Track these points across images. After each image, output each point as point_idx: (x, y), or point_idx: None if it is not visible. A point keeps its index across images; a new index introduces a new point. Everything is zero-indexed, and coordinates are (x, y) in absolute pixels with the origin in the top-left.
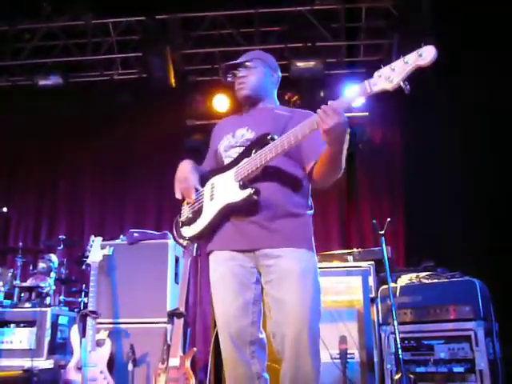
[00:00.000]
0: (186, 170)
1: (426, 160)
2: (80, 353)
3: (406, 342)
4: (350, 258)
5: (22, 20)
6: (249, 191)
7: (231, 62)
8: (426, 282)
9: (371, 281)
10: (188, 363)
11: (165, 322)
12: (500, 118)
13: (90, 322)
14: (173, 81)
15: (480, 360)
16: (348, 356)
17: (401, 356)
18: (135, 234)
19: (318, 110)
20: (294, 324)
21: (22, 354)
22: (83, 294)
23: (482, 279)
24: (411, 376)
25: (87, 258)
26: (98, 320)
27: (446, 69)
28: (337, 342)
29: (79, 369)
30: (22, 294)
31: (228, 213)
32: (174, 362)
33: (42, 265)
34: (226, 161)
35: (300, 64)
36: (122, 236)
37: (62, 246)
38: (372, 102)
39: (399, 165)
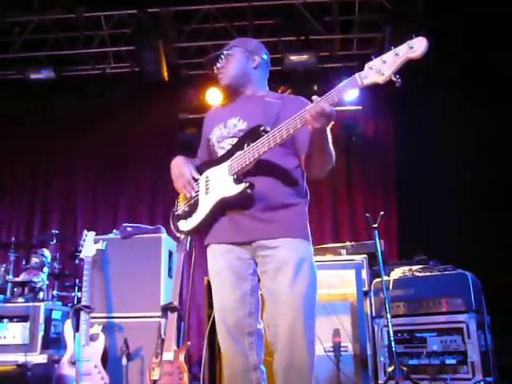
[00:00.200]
0: (180, 166)
1: (420, 153)
2: (74, 347)
3: (399, 334)
4: (344, 251)
5: (12, 13)
6: (243, 185)
7: (211, 55)
8: (419, 275)
9: (364, 274)
10: (182, 357)
11: (158, 316)
12: (495, 112)
13: (83, 316)
14: (165, 74)
15: (472, 352)
16: (341, 349)
17: (394, 349)
18: (128, 229)
19: (308, 109)
20: (288, 314)
21: (16, 349)
22: (76, 288)
23: (474, 272)
24: (404, 368)
25: (80, 252)
26: (92, 314)
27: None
28: (330, 335)
29: (73, 363)
30: (15, 289)
31: (223, 207)
32: (168, 356)
33: (34, 260)
34: (220, 152)
35: (293, 57)
36: (115, 230)
37: (54, 241)
38: (365, 96)
39: (392, 158)
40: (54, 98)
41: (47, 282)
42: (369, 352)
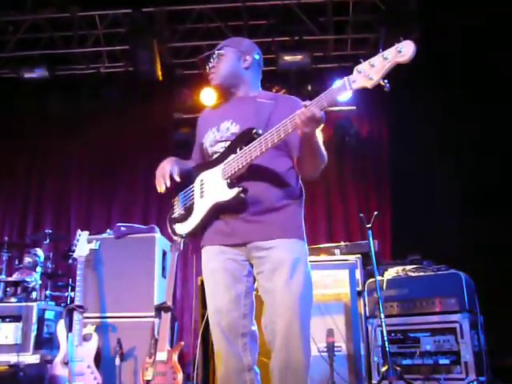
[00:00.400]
0: (165, 163)
1: (413, 153)
2: (67, 347)
3: (393, 334)
4: (337, 251)
5: (6, 12)
6: (236, 190)
7: (204, 55)
8: (413, 275)
9: (358, 274)
10: (175, 357)
11: (152, 316)
12: (491, 112)
13: (76, 316)
14: (160, 74)
15: (465, 352)
16: (335, 349)
17: (387, 349)
18: (122, 228)
19: (298, 113)
20: (284, 314)
21: (8, 349)
22: (70, 288)
23: (467, 272)
24: (398, 368)
25: (74, 252)
26: (85, 314)
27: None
28: (324, 335)
29: (66, 364)
30: (8, 289)
31: (218, 210)
32: (162, 356)
33: (27, 259)
34: (213, 155)
35: (287, 58)
36: (108, 230)
37: (48, 241)
38: (359, 96)
39: (386, 158)
40: (48, 97)
41: (40, 282)
42: (362, 352)
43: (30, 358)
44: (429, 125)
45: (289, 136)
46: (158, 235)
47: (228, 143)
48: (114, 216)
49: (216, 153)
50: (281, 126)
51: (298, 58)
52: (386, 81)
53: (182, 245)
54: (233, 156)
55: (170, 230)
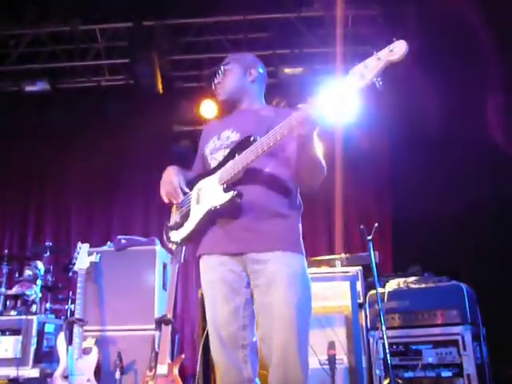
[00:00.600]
0: (170, 174)
1: (414, 164)
2: (66, 361)
3: (395, 347)
4: (338, 263)
5: (7, 26)
6: (231, 194)
7: (209, 71)
8: (414, 286)
9: (359, 286)
10: (176, 370)
11: (152, 329)
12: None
13: (76, 329)
14: (160, 87)
15: (468, 364)
16: (336, 361)
17: (389, 361)
18: (122, 241)
19: (294, 115)
20: (281, 329)
21: (8, 362)
22: (70, 301)
23: (468, 284)
24: (400, 381)
25: (74, 264)
26: (85, 327)
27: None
28: (325, 347)
29: (66, 377)
30: (8, 302)
31: (214, 216)
32: (162, 369)
33: (28, 272)
34: (213, 163)
35: (287, 70)
36: (109, 242)
37: (48, 253)
38: (360, 107)
39: (387, 169)
40: (49, 110)
41: (40, 295)
42: (364, 364)
43: (30, 371)
44: (430, 135)
45: (287, 143)
46: (158, 247)
47: (227, 151)
48: (114, 228)
49: (216, 160)
50: (277, 128)
51: (298, 70)
52: (379, 79)
53: (182, 257)
54: (231, 162)
55: (165, 238)
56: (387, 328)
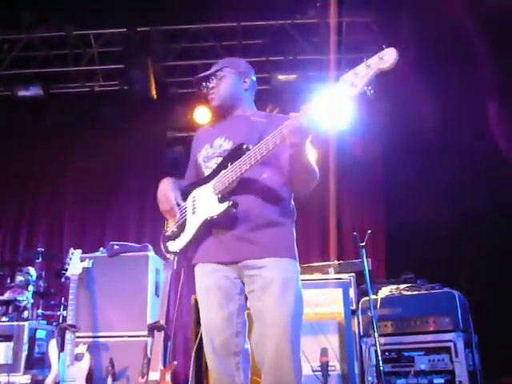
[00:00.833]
0: (166, 190)
1: (407, 171)
2: (58, 367)
3: (387, 353)
4: (331, 270)
5: (1, 30)
6: (227, 204)
7: (202, 74)
8: (406, 293)
9: (352, 293)
10: (168, 377)
11: (145, 336)
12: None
13: (68, 335)
14: (154, 93)
15: (460, 371)
16: (329, 368)
17: (382, 368)
18: (115, 247)
19: (286, 124)
20: (274, 335)
21: None
22: (62, 307)
23: (461, 291)
24: None
25: (66, 270)
26: (77, 334)
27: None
28: (318, 354)
29: None
30: None
31: (209, 226)
32: (155, 375)
33: (19, 278)
34: (206, 172)
35: (281, 77)
36: (101, 248)
37: (40, 259)
38: (353, 114)
39: (380, 176)
40: (42, 116)
41: (32, 301)
42: (356, 371)
43: (21, 378)
44: (424, 142)
45: (281, 151)
46: (151, 253)
47: (220, 159)
48: (107, 234)
49: (209, 168)
50: (269, 138)
51: (292, 77)
52: (369, 87)
53: (175, 263)
54: (223, 171)
55: (162, 248)
56: (380, 335)
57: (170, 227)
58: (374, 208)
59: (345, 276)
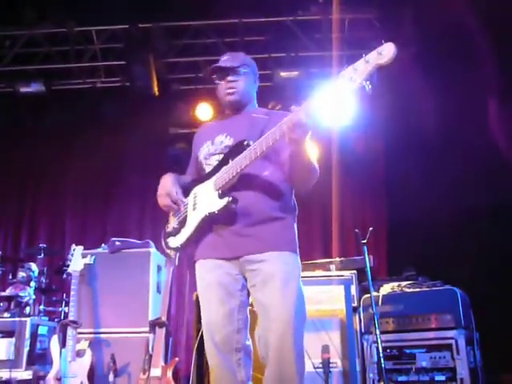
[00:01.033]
0: (167, 185)
1: (409, 167)
2: (60, 363)
3: (388, 350)
4: (332, 267)
5: (3, 27)
6: (226, 200)
7: (225, 65)
8: (408, 290)
9: (353, 290)
10: (170, 373)
11: (146, 332)
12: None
13: (70, 331)
14: (156, 89)
15: (461, 368)
16: (330, 365)
17: (383, 365)
18: (117, 243)
19: (285, 120)
20: (278, 329)
21: (1, 364)
22: (64, 303)
23: (463, 288)
24: None
25: (68, 266)
26: (79, 330)
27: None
28: (319, 351)
29: (59, 380)
30: (1, 304)
31: (210, 222)
32: (156, 372)
33: (21, 274)
34: (207, 169)
35: (283, 74)
36: (103, 245)
37: (42, 255)
38: (355, 110)
39: (382, 173)
40: (44, 112)
41: (34, 297)
42: (358, 368)
43: (23, 374)
44: (426, 138)
45: (281, 147)
46: (152, 250)
47: (221, 156)
48: (108, 231)
49: (210, 165)
50: (269, 133)
51: (294, 73)
52: (368, 82)
53: (176, 260)
54: (225, 167)
55: (163, 244)
56: (381, 332)
57: (171, 224)
58: (375, 204)
59: (346, 273)
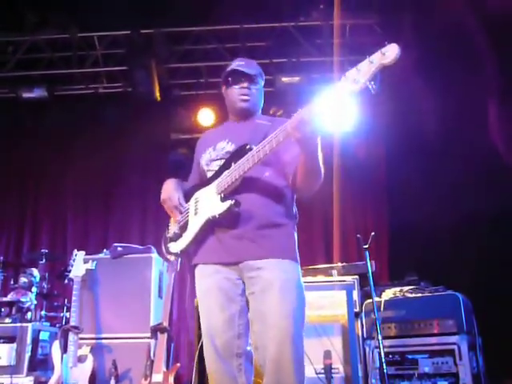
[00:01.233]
0: (169, 190)
1: (410, 173)
2: (61, 369)
3: (391, 356)
4: (334, 272)
5: (6, 33)
6: (229, 203)
7: (241, 69)
8: (410, 296)
9: (355, 295)
10: (171, 379)
11: (148, 337)
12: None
13: (71, 337)
14: (158, 94)
15: (464, 374)
16: (332, 371)
17: (385, 370)
18: (119, 248)
19: (288, 121)
20: (276, 337)
21: (2, 370)
22: (65, 308)
23: (465, 293)
24: None
25: (70, 272)
26: (80, 335)
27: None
28: (321, 356)
29: None
30: (3, 309)
31: (211, 226)
32: (158, 377)
33: (23, 279)
34: (209, 174)
35: (285, 79)
36: (105, 250)
37: (44, 260)
38: (356, 116)
39: (384, 178)
40: (46, 117)
41: (35, 302)
42: (360, 374)
43: (24, 379)
44: (427, 144)
45: (282, 152)
46: (154, 255)
47: (223, 162)
48: (110, 236)
49: (211, 171)
50: (272, 136)
51: (296, 79)
52: (372, 83)
53: (178, 265)
54: (227, 171)
55: (164, 249)
56: (383, 337)
57: (172, 229)
58: (377, 210)
59: (348, 278)
